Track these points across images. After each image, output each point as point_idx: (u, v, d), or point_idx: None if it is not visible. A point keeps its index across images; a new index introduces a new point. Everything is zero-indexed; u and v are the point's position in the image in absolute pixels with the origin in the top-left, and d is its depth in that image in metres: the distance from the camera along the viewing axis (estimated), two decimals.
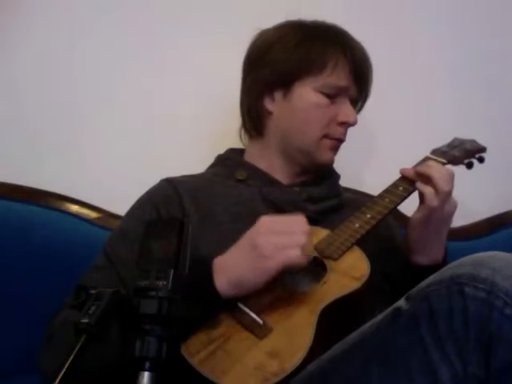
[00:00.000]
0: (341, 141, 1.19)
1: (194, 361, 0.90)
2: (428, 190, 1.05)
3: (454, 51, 1.59)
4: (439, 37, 1.58)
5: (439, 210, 1.05)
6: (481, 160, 1.22)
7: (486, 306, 0.75)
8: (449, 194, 1.06)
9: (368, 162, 1.58)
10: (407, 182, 1.11)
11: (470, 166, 1.20)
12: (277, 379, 0.87)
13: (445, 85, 1.59)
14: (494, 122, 1.57)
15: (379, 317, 0.85)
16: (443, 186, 1.04)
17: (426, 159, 1.16)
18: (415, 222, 1.09)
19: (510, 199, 1.56)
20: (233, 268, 0.93)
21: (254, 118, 1.20)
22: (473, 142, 1.24)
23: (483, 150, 1.23)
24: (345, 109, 1.16)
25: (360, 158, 1.55)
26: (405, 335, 0.80)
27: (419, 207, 1.08)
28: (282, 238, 0.92)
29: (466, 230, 1.54)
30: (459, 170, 1.21)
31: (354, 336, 0.87)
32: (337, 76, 1.14)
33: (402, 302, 0.83)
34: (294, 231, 0.93)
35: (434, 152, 1.19)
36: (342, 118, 1.16)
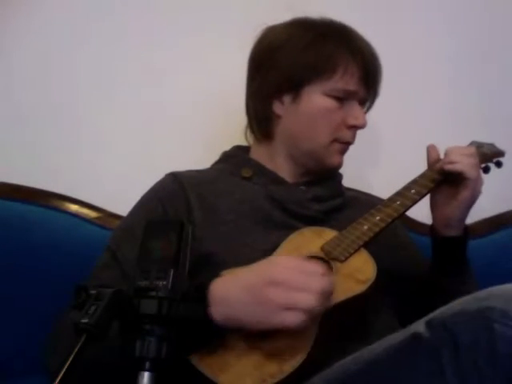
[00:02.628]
0: (350, 144, 1.17)
1: (195, 357, 0.89)
2: (467, 162, 1.05)
3: (456, 51, 1.59)
4: (440, 36, 1.59)
5: (479, 181, 1.06)
6: (498, 164, 1.19)
7: None
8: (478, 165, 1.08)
9: (372, 162, 1.58)
10: (420, 185, 1.09)
11: (486, 170, 1.18)
12: (274, 381, 0.86)
13: (447, 85, 1.59)
14: (494, 122, 1.57)
15: (395, 339, 0.82)
16: (469, 159, 1.06)
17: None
18: (464, 201, 1.07)
19: (510, 199, 1.56)
20: (234, 307, 0.87)
21: (261, 123, 1.18)
22: (491, 145, 1.21)
23: (501, 154, 1.21)
24: (354, 112, 1.14)
25: (364, 159, 1.55)
26: (425, 364, 0.76)
27: (460, 189, 1.07)
28: (292, 294, 0.84)
29: None
30: None
31: (367, 355, 0.83)
32: (346, 80, 1.12)
33: (421, 328, 0.78)
34: (308, 289, 0.84)
35: None
36: (351, 122, 1.14)
